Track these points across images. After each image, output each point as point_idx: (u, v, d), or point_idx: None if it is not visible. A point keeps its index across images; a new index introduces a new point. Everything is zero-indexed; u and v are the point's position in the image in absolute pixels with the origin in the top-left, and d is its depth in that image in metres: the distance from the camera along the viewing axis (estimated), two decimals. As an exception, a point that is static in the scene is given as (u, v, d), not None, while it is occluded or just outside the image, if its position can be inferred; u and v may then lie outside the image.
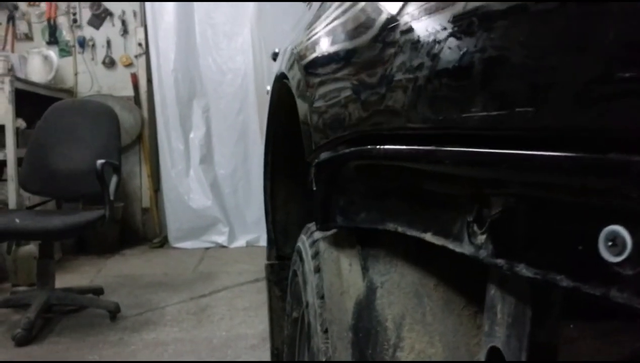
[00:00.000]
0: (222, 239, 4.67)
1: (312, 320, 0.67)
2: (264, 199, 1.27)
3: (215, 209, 4.70)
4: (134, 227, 4.91)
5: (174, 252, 4.56)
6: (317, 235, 0.79)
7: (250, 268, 3.91)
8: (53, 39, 4.89)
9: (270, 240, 1.30)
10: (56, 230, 2.74)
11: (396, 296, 0.45)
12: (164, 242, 4.78)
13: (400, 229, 0.41)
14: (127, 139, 4.61)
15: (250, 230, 4.74)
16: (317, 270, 0.71)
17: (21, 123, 4.00)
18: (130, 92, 4.87)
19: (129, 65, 4.90)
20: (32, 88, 4.18)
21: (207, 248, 4.63)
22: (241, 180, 4.79)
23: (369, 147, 0.43)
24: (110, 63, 4.90)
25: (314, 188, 0.55)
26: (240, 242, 4.68)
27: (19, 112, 3.87)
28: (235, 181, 4.79)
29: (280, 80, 0.97)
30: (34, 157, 3.22)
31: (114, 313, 2.89)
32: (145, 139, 4.89)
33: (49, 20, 4.86)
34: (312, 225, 0.86)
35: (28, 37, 4.89)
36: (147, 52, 4.85)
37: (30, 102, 4.12)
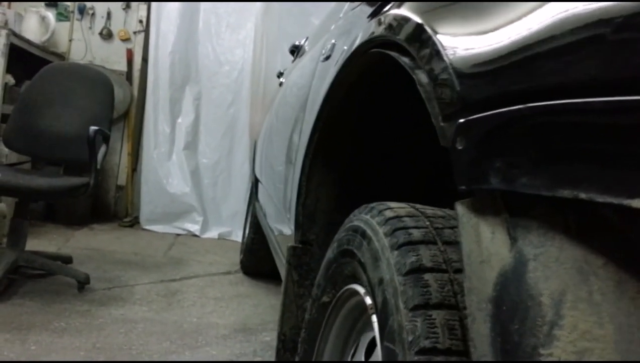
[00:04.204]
0: (194, 228, 4.60)
1: (390, 297, 0.66)
2: (299, 179, 1.24)
3: (193, 197, 4.64)
4: (105, 203, 4.81)
5: (144, 234, 4.49)
6: (390, 213, 0.78)
7: (221, 260, 3.87)
8: (52, 1, 4.78)
9: (297, 224, 1.27)
10: (39, 190, 2.67)
11: (554, 271, 0.43)
12: (134, 222, 4.70)
13: (583, 196, 0.39)
14: (114, 114, 4.52)
15: (224, 223, 4.69)
16: (397, 246, 0.69)
17: (10, 79, 3.90)
18: (123, 67, 4.79)
19: (126, 40, 4.82)
20: (26, 46, 4.08)
21: (178, 235, 4.56)
22: (223, 173, 4.74)
23: (568, 101, 0.41)
24: (107, 35, 4.82)
25: (459, 148, 0.54)
26: (213, 234, 4.62)
27: (7, 68, 3.78)
28: (217, 173, 4.74)
29: (364, 50, 0.95)
30: (22, 115, 3.13)
31: (83, 284, 2.81)
32: (132, 117, 4.81)
33: (51, -19, 4.77)
34: (377, 204, 0.84)
35: (27, -5, 4.79)
36: (146, 30, 4.79)
37: (21, 60, 4.02)
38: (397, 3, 0.93)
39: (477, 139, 0.51)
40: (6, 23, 4.03)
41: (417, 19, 0.71)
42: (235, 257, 3.91)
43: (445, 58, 0.60)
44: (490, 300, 0.47)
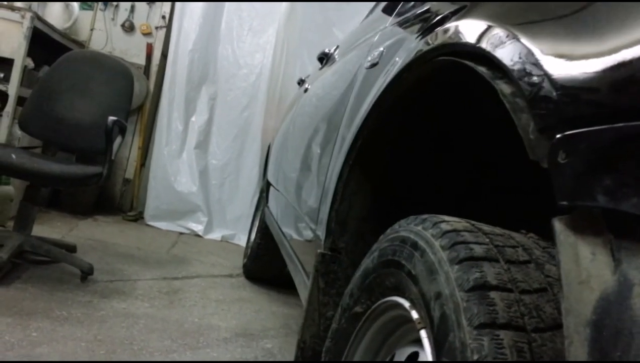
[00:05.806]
0: (198, 228, 4.58)
1: (451, 313, 0.63)
2: (335, 185, 1.21)
3: (199, 197, 4.61)
4: (111, 195, 4.79)
5: (148, 229, 4.46)
6: (446, 226, 0.75)
7: (224, 263, 3.84)
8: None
9: (327, 230, 1.24)
10: (53, 176, 2.64)
11: (661, 297, 0.41)
12: (138, 217, 4.68)
13: None
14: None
15: (228, 226, 4.67)
16: (458, 261, 0.67)
17: (29, 62, 3.89)
18: (142, 60, 4.79)
19: (148, 34, 4.82)
20: (49, 31, 4.07)
21: (181, 233, 4.54)
22: (231, 175, 4.72)
23: None
24: (129, 27, 4.82)
25: (561, 162, 0.51)
26: (216, 235, 4.60)
27: (28, 51, 3.76)
28: (225, 174, 4.72)
29: (428, 58, 0.93)
30: (40, 99, 3.11)
31: (87, 274, 2.79)
32: (145, 111, 4.79)
33: (77, -30, 4.77)
34: (430, 216, 0.82)
35: (53, -18, 4.78)
36: (169, 27, 4.79)
37: (41, 44, 4.02)
38: (460, 14, 0.91)
39: (586, 154, 0.49)
40: (30, 7, 4.02)
41: (503, 26, 0.69)
42: (238, 261, 3.89)
43: (542, 68, 0.58)
44: (589, 323, 0.44)
